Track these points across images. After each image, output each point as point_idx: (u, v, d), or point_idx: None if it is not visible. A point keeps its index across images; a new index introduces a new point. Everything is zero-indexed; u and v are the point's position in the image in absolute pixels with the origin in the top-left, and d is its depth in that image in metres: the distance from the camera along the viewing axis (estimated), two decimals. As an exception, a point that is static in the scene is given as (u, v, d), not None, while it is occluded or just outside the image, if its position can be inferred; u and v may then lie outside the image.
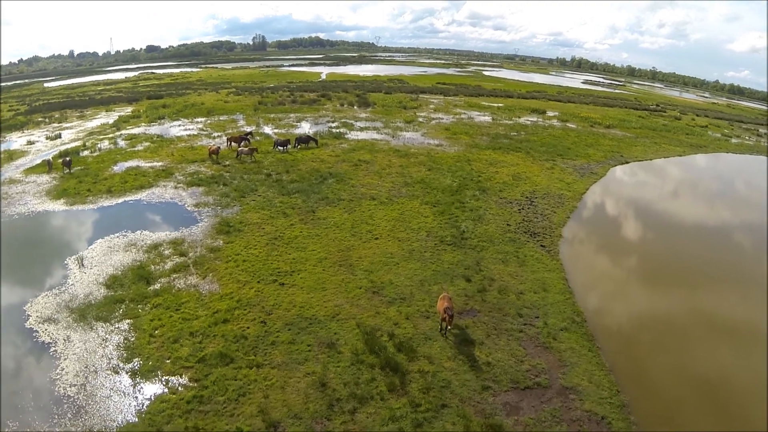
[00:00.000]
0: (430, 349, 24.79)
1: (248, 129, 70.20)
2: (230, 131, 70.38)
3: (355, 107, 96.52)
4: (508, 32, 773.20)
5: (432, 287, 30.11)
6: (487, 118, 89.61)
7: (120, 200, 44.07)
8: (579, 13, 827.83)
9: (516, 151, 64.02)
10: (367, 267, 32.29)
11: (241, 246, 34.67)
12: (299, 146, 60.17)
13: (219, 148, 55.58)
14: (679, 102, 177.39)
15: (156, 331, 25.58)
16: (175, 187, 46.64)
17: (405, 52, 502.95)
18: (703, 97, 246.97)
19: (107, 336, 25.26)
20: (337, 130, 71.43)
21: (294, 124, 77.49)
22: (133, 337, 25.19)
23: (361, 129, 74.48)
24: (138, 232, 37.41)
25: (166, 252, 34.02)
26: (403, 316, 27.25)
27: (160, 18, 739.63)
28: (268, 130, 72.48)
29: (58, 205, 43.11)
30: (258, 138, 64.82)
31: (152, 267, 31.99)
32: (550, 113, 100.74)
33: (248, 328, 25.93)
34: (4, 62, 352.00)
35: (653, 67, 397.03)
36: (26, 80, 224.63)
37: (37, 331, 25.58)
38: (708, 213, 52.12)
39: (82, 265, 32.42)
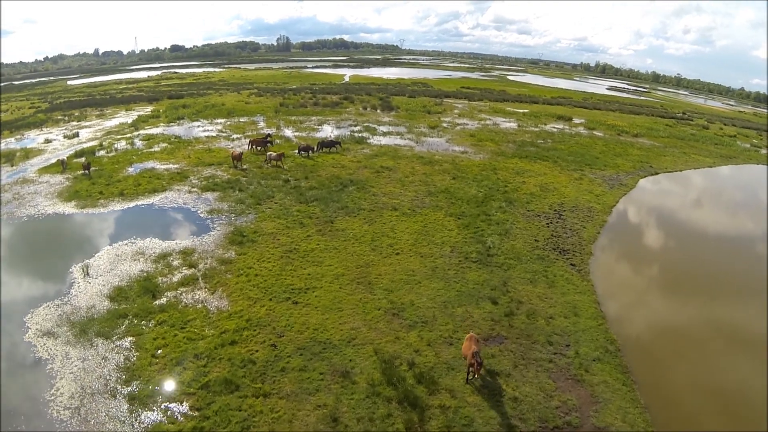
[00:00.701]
0: (453, 381, 22.72)
1: (268, 131, 68.38)
2: (250, 133, 68.98)
3: (378, 111, 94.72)
4: (533, 37, 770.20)
5: (456, 310, 28.05)
6: (513, 125, 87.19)
7: (132, 204, 42.58)
8: (604, 18, 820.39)
9: (543, 160, 61.67)
10: (387, 285, 30.24)
11: (253, 258, 32.80)
12: (323, 150, 58.30)
13: (242, 153, 53.37)
14: (705, 110, 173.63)
15: (159, 352, 23.82)
16: (189, 192, 45.00)
17: (429, 55, 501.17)
18: (729, 105, 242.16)
19: (107, 354, 23.59)
20: (360, 135, 69.57)
21: (315, 127, 75.73)
22: (134, 356, 23.48)
23: (384, 134, 72.45)
24: (148, 239, 35.83)
25: (175, 263, 32.30)
26: (424, 342, 25.17)
27: (186, 18, 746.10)
28: (288, 132, 70.80)
29: (69, 208, 41.79)
30: (278, 141, 63.07)
31: (159, 279, 30.31)
32: (576, 120, 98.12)
33: (257, 351, 24.01)
34: (30, 59, 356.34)
35: (678, 74, 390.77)
36: (51, 78, 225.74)
37: (36, 346, 24.03)
38: (749, 227, 49.47)
39: (87, 274, 30.88)
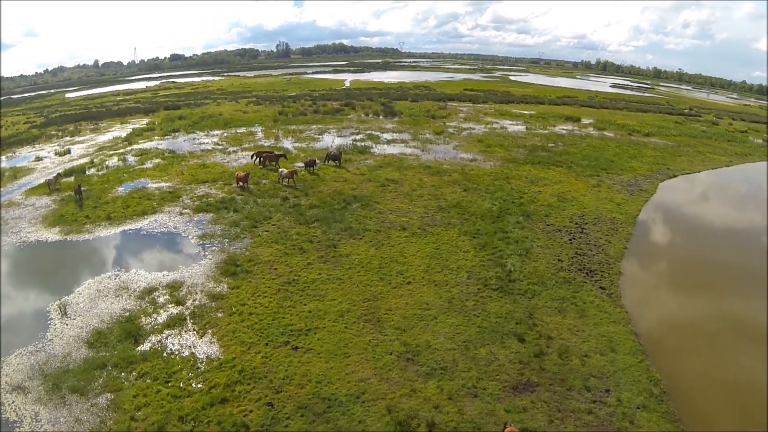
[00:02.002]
0: (481, 446, 19.21)
1: (266, 142, 65.63)
2: (247, 146, 65.87)
3: (381, 117, 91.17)
4: (532, 36, 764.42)
5: (478, 351, 24.66)
6: (521, 128, 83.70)
7: (119, 229, 39.42)
8: (603, 15, 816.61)
9: (557, 166, 58.25)
10: (399, 323, 26.79)
11: (248, 293, 29.46)
12: (328, 163, 54.57)
13: (247, 175, 47.92)
14: (709, 104, 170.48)
15: (139, 413, 20.61)
16: (181, 214, 41.80)
17: (429, 57, 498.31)
18: (732, 98, 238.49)
19: (81, 416, 20.50)
20: (362, 144, 66.15)
21: (315, 137, 72.31)
22: (110, 419, 20.31)
23: (388, 142, 69.03)
24: (132, 271, 32.73)
25: (161, 299, 29.13)
26: (444, 394, 21.76)
27: (186, 28, 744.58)
28: (287, 143, 67.57)
29: (52, 234, 38.78)
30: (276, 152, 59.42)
31: (143, 320, 27.12)
32: (584, 120, 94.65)
33: (251, 411, 20.69)
34: (30, 72, 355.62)
35: (680, 69, 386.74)
36: (50, 90, 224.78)
37: (3, 404, 20.97)
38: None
39: (65, 313, 27.87)
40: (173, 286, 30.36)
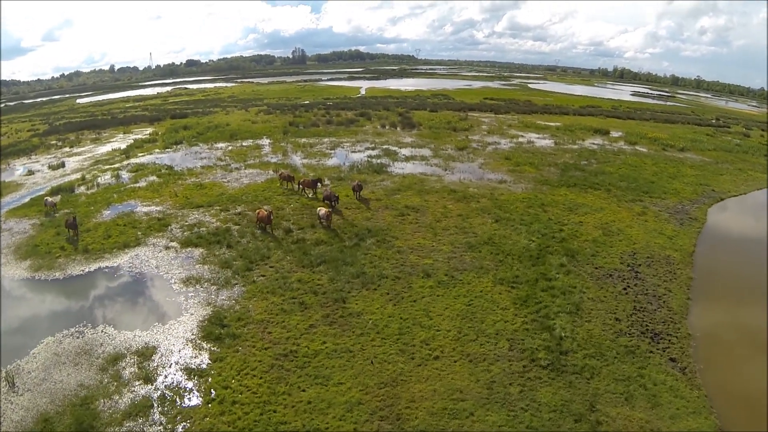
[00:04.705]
0: None
1: (273, 158, 59.66)
2: (252, 161, 60.46)
3: (398, 129, 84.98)
4: (548, 43, 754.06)
5: (532, 467, 18.25)
6: (549, 142, 77.21)
7: (94, 267, 34.01)
8: (619, 21, 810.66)
9: (594, 189, 51.85)
10: (425, 422, 20.47)
11: (233, 368, 23.40)
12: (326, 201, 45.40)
13: (270, 214, 38.74)
14: (735, 113, 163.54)
15: None
16: (166, 248, 36.13)
17: (445, 64, 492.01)
18: (752, 105, 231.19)
19: None
20: (378, 161, 59.90)
21: (327, 152, 66.15)
22: None
23: (407, 159, 62.61)
24: (99, 328, 27.21)
25: (127, 372, 23.43)
26: None
27: (203, 33, 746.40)
28: (296, 159, 61.80)
29: (21, 270, 33.92)
30: (283, 170, 53.46)
31: (101, 402, 21.53)
32: (614, 134, 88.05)
33: None
34: (48, 77, 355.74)
35: (698, 76, 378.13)
36: (62, 96, 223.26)
37: None
38: None
39: (13, 385, 22.73)
40: (144, 354, 24.64)
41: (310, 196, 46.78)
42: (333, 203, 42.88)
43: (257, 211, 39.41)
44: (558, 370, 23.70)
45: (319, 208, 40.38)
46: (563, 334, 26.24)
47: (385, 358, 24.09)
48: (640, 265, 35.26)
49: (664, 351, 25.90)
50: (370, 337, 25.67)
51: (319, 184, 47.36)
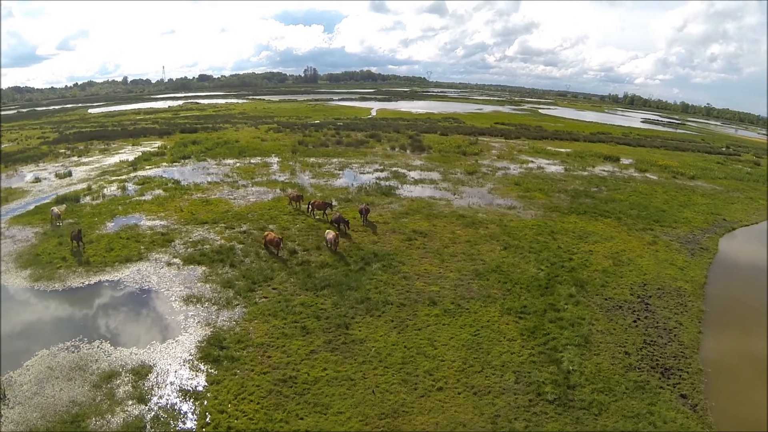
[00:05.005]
0: None
1: (280, 177, 59.74)
2: (259, 179, 60.11)
3: (408, 151, 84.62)
4: (559, 68, 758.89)
5: None
6: (559, 168, 76.59)
7: (94, 280, 33.45)
8: (630, 47, 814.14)
9: (604, 217, 51.13)
10: (427, 460, 19.59)
11: (230, 392, 22.61)
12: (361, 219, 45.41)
13: (280, 239, 37.70)
14: (743, 140, 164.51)
15: None
16: (169, 264, 35.53)
17: (456, 87, 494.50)
18: (762, 134, 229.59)
19: None
20: (386, 183, 59.41)
21: (335, 172, 65.65)
22: None
23: (416, 182, 62.07)
24: (96, 342, 26.47)
25: (121, 390, 22.66)
26: None
27: (216, 49, 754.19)
28: (304, 179, 61.36)
29: (20, 280, 33.42)
30: (290, 190, 53.05)
31: (92, 421, 20.74)
32: (624, 161, 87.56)
33: None
34: (61, 86, 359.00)
35: (708, 104, 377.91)
36: (74, 105, 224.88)
37: None
38: None
39: (4, 398, 21.96)
40: (139, 372, 23.89)
41: (316, 217, 46.05)
42: (342, 227, 42.01)
43: (266, 234, 38.49)
44: (565, 405, 22.79)
45: (327, 231, 39.43)
46: (571, 368, 25.39)
47: (387, 388, 23.23)
48: (650, 296, 34.42)
49: (674, 387, 25.00)
50: (373, 365, 24.82)
51: (329, 207, 46.48)
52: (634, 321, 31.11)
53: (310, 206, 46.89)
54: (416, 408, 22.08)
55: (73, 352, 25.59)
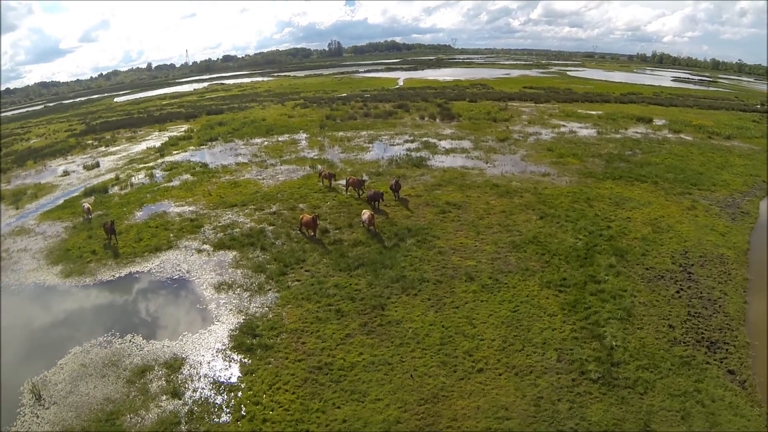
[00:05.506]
0: None
1: (310, 153, 59.10)
2: (288, 157, 59.55)
3: (437, 120, 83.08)
4: (585, 29, 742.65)
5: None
6: (591, 132, 74.25)
7: (124, 272, 33.13)
8: (656, 5, 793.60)
9: (641, 181, 49.15)
10: (470, 445, 18.68)
11: (265, 382, 22.02)
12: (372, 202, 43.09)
13: (316, 217, 36.24)
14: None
15: None
16: (198, 251, 35.04)
17: (482, 53, 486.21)
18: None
19: None
20: (417, 154, 58.11)
21: (365, 145, 64.60)
22: None
23: (447, 151, 60.67)
24: (128, 336, 26.14)
25: (155, 385, 22.28)
26: None
27: (239, 29, 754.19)
28: (333, 154, 60.35)
29: (51, 276, 33.30)
30: (319, 167, 52.49)
31: (127, 418, 20.43)
32: (657, 121, 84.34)
33: None
34: (86, 77, 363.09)
35: (739, 60, 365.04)
36: (102, 94, 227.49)
37: None
38: None
39: (39, 398, 21.79)
40: (172, 366, 23.46)
41: (356, 196, 44.81)
42: (377, 204, 40.93)
43: (302, 216, 37.22)
44: (609, 384, 21.68)
45: (363, 212, 37.87)
46: (614, 343, 24.23)
47: (426, 371, 22.40)
48: (692, 265, 32.79)
49: (721, 362, 23.66)
50: (410, 347, 23.97)
51: (363, 185, 45.21)
52: (677, 291, 29.62)
53: (347, 183, 45.69)
54: (456, 392, 21.20)
55: (105, 347, 25.27)
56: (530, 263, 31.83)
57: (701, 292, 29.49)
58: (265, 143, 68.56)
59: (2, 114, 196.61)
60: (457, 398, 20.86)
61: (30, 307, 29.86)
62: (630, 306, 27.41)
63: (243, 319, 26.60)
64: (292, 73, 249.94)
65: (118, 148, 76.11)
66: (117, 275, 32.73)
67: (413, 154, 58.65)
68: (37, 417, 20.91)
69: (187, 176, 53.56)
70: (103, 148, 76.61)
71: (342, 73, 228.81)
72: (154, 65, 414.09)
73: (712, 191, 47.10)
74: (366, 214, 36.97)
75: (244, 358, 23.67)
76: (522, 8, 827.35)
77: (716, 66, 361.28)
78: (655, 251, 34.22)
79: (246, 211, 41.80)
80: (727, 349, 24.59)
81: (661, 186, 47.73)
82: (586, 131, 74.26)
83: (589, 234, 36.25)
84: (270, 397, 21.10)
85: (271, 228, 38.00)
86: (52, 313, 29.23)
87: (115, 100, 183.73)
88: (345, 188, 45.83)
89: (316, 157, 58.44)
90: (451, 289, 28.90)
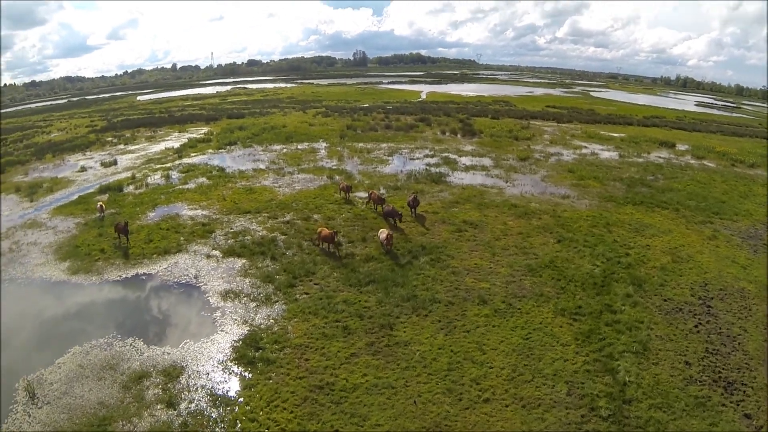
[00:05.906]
0: None
1: (328, 163, 58.51)
2: (306, 166, 59.12)
3: (459, 136, 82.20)
4: (610, 50, 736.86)
5: None
6: (614, 155, 72.99)
7: (131, 273, 32.73)
8: (683, 28, 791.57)
9: (662, 208, 47.94)
10: (472, 481, 17.82)
11: (263, 398, 21.30)
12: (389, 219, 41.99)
13: (334, 234, 35.15)
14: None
15: None
16: (208, 257, 34.50)
17: (506, 70, 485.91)
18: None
19: None
20: (437, 170, 57.32)
21: (384, 158, 63.86)
22: None
23: (466, 168, 59.81)
24: (129, 340, 25.59)
25: (151, 393, 21.68)
26: None
27: (265, 34, 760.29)
28: (352, 165, 59.69)
29: (58, 272, 33.05)
30: (337, 177, 52.35)
31: (119, 426, 19.83)
32: (680, 146, 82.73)
33: None
34: (111, 74, 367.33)
35: (764, 86, 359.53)
36: (126, 92, 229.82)
37: None
38: None
39: (33, 397, 21.38)
40: (170, 374, 22.86)
41: (373, 208, 43.94)
42: (395, 221, 39.94)
43: (320, 230, 36.01)
44: (620, 423, 20.63)
45: (381, 231, 36.52)
46: (627, 379, 23.20)
47: (430, 398, 21.50)
48: (712, 298, 31.64)
49: (738, 405, 22.53)
50: (416, 371, 23.11)
51: (383, 203, 43.72)
52: (696, 326, 28.52)
53: (368, 197, 44.62)
54: (460, 422, 20.30)
55: (105, 349, 24.79)
56: (545, 288, 30.86)
57: (720, 328, 28.34)
58: (284, 150, 68.07)
59: (27, 106, 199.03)
60: (460, 429, 19.94)
61: (34, 302, 29.56)
62: (646, 339, 26.37)
63: (247, 330, 25.94)
64: (315, 81, 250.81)
65: (136, 146, 76.11)
66: (124, 276, 32.33)
67: (432, 169, 57.81)
68: (29, 416, 20.53)
69: (203, 179, 53.22)
70: (122, 146, 76.67)
71: (365, 83, 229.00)
72: (179, 66, 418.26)
73: (734, 221, 45.83)
74: (384, 233, 35.66)
75: (245, 371, 22.99)
76: (548, 26, 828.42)
77: (740, 92, 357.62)
78: (674, 282, 33.12)
79: (259, 218, 41.26)
80: (744, 391, 23.46)
81: (683, 213, 46.53)
82: (608, 154, 73.13)
83: (607, 261, 35.22)
84: (267, 414, 20.37)
85: (283, 237, 37.39)
86: (56, 310, 28.91)
87: (138, 98, 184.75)
88: (365, 202, 44.80)
89: (334, 168, 57.77)
90: (462, 311, 27.96)
